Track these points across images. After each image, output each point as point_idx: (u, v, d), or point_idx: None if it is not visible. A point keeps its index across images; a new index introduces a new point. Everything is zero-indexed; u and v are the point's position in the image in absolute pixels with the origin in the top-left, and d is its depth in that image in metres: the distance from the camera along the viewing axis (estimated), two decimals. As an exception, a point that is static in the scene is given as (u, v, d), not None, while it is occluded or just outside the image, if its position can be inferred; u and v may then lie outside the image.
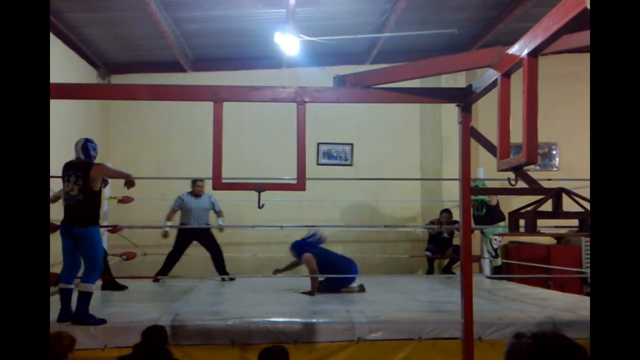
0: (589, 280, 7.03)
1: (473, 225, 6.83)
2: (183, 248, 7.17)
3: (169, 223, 7.17)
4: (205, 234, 7.19)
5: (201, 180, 7.08)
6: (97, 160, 4.69)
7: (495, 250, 7.32)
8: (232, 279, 7.11)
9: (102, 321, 4.22)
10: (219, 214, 7.33)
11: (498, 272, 7.33)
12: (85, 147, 4.58)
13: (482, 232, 7.39)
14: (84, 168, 4.48)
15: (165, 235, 7.10)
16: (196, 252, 7.92)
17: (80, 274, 4.52)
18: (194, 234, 7.14)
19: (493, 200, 7.28)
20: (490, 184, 7.29)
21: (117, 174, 4.84)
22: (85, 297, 4.31)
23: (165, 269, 7.03)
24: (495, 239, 7.26)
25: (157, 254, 7.67)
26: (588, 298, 5.16)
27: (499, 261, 7.39)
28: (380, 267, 8.52)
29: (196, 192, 7.18)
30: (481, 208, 7.37)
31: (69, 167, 4.55)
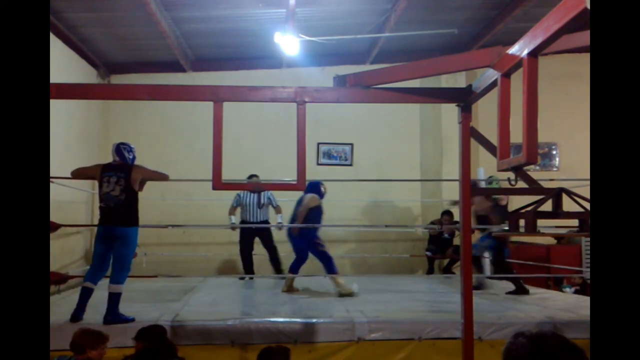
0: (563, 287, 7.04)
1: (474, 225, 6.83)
2: (248, 245, 7.25)
3: (233, 218, 7.27)
4: (264, 231, 7.20)
5: (256, 175, 7.07)
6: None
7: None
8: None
9: (132, 319, 4.31)
10: (277, 209, 7.29)
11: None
12: (119, 149, 4.68)
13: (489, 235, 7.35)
14: (126, 169, 4.57)
15: (232, 229, 7.25)
16: (196, 251, 7.93)
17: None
18: (254, 230, 7.19)
19: (503, 199, 7.25)
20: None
21: (155, 175, 4.86)
22: (116, 297, 4.37)
23: (247, 268, 7.16)
24: None
25: (157, 254, 7.70)
26: (588, 298, 5.16)
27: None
28: (380, 267, 8.53)
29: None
30: None
31: (108, 169, 4.59)
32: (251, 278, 7.24)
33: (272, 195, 7.29)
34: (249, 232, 7.23)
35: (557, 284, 7.33)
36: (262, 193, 7.20)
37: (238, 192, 7.24)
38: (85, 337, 3.39)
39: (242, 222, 7.22)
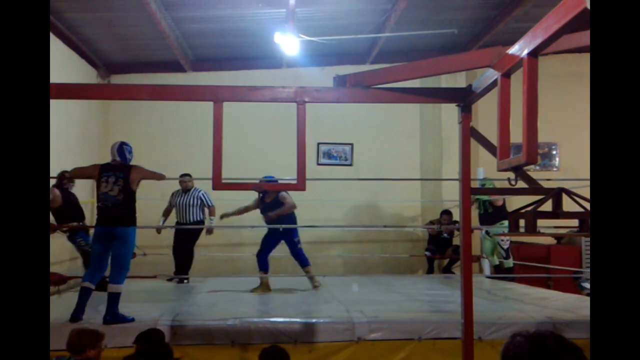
0: (581, 282, 7.00)
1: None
2: (176, 245, 7.20)
3: (162, 219, 7.21)
4: (187, 232, 7.08)
5: (187, 175, 7.03)
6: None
7: (505, 250, 7.20)
8: (185, 280, 6.95)
9: (132, 319, 4.31)
10: (211, 210, 7.14)
11: (510, 273, 7.16)
12: (121, 149, 4.68)
13: (487, 234, 7.31)
14: (125, 169, 4.58)
15: (158, 231, 7.17)
16: (196, 251, 7.92)
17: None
18: (180, 231, 7.14)
19: (499, 200, 7.22)
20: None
21: (153, 175, 4.88)
22: (115, 297, 4.37)
23: (179, 268, 7.08)
24: (503, 240, 7.14)
25: (157, 254, 7.69)
26: (588, 298, 5.16)
27: (510, 262, 7.25)
28: (380, 267, 8.52)
29: (182, 188, 7.10)
30: (484, 207, 7.29)
31: (107, 169, 4.60)
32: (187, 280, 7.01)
33: (206, 195, 7.10)
34: (178, 234, 7.17)
35: (575, 280, 7.26)
36: (191, 193, 7.07)
37: (172, 191, 7.18)
38: (82, 337, 3.37)
39: (176, 223, 7.12)
